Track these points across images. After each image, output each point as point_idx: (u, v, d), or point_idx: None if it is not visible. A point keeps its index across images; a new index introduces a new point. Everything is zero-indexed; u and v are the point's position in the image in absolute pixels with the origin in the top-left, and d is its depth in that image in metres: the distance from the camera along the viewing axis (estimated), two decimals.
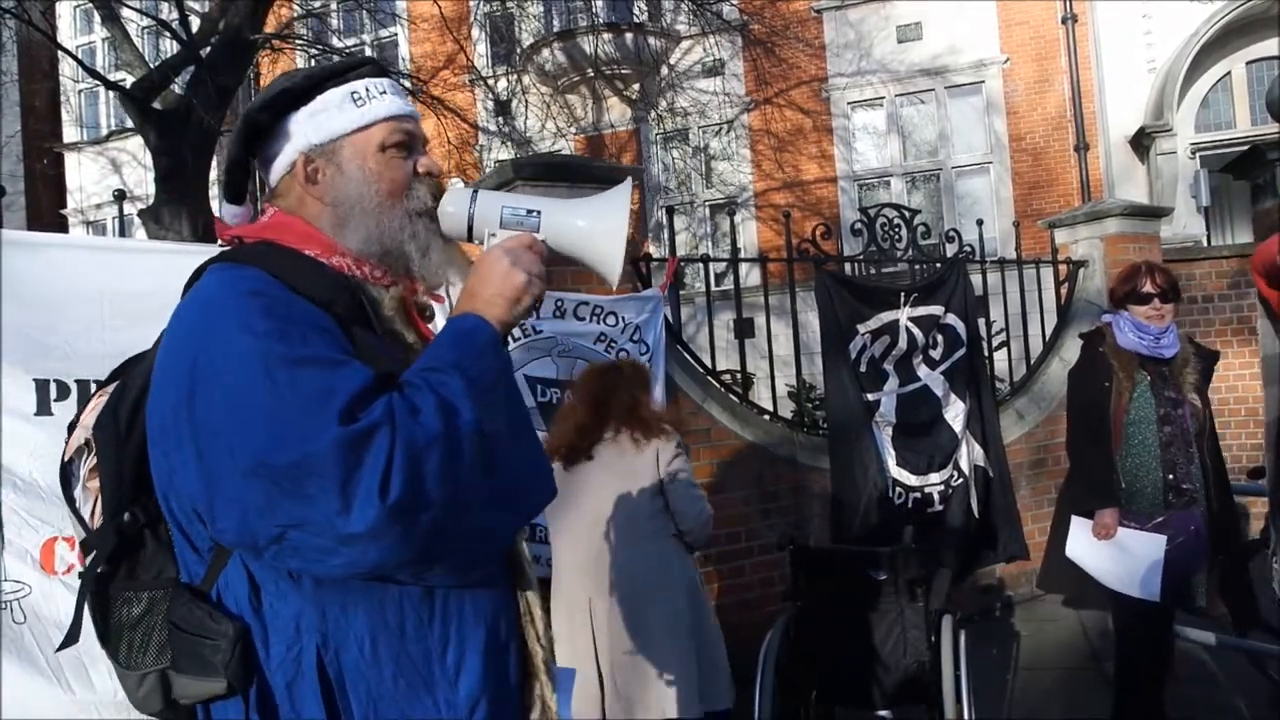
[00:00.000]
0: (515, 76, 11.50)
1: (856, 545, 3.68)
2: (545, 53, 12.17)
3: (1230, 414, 6.40)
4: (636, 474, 2.98)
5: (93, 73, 7.70)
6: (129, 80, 7.28)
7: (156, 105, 6.76)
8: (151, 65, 7.30)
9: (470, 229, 1.23)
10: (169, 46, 8.33)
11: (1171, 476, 3.29)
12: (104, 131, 14.37)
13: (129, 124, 12.60)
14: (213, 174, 7.49)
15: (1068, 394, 3.68)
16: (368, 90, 1.26)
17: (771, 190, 12.58)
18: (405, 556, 1.00)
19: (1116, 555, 3.27)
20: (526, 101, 10.99)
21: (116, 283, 2.62)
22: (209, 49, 6.93)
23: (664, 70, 12.37)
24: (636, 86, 12.65)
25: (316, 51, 9.65)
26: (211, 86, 6.39)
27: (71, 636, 1.26)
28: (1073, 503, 3.51)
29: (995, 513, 4.74)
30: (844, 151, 12.43)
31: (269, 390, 0.98)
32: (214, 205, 7.58)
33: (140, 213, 6.72)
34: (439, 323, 1.24)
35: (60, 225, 14.35)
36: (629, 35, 11.98)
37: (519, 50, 11.95)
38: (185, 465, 1.03)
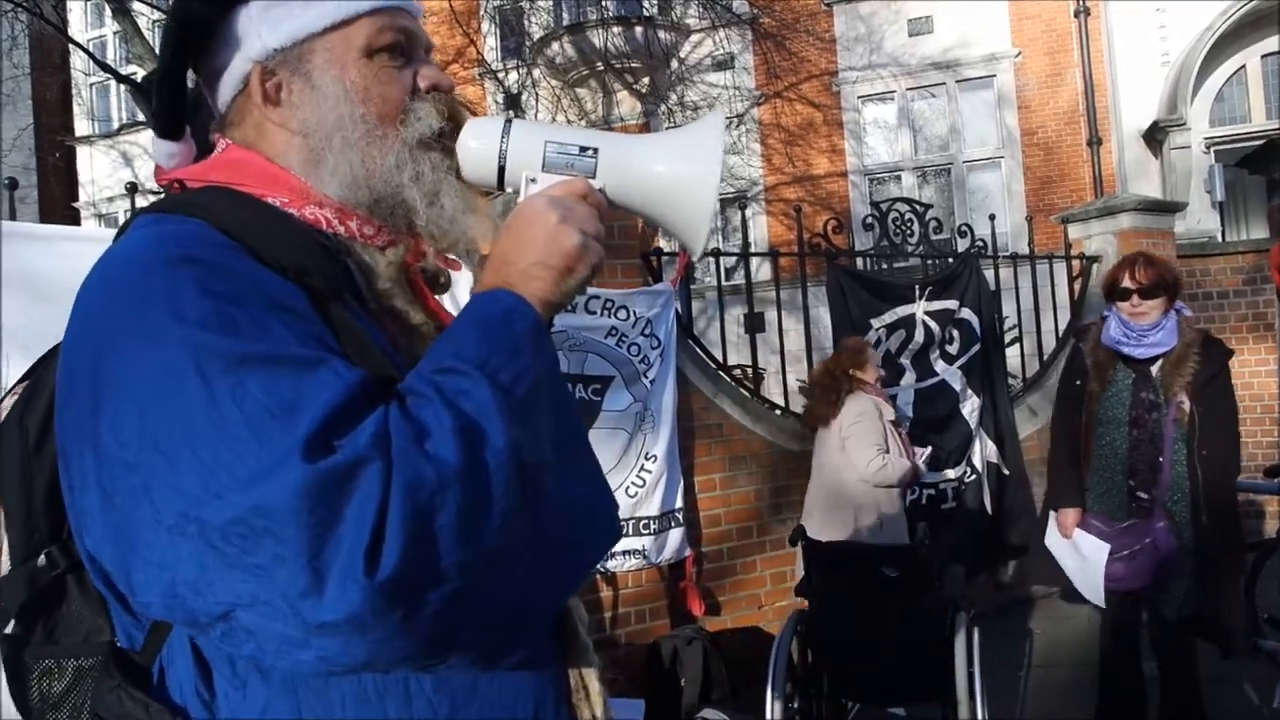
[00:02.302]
0: (525, 70, 11.48)
1: (866, 541, 3.66)
2: (555, 46, 12.15)
3: (1246, 411, 6.33)
4: None
5: (104, 66, 7.73)
6: (140, 74, 7.29)
7: None
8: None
9: (501, 171, 0.89)
10: None
11: (1132, 483, 3.18)
12: (115, 125, 14.42)
13: (140, 117, 12.64)
14: None
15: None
16: None
17: (782, 184, 12.54)
18: (407, 650, 0.70)
19: (1074, 555, 3.26)
20: (537, 95, 10.97)
21: None
22: None
23: (674, 64, 12.33)
24: (646, 80, 12.62)
25: None
26: None
27: None
28: (1047, 500, 3.52)
29: (1010, 508, 4.72)
30: (855, 146, 12.39)
31: (204, 407, 0.67)
32: None
33: None
34: (459, 298, 0.89)
35: (72, 218, 14.42)
36: (639, 29, 11.95)
37: (528, 44, 11.93)
38: (90, 510, 0.72)
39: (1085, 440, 3.28)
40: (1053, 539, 3.37)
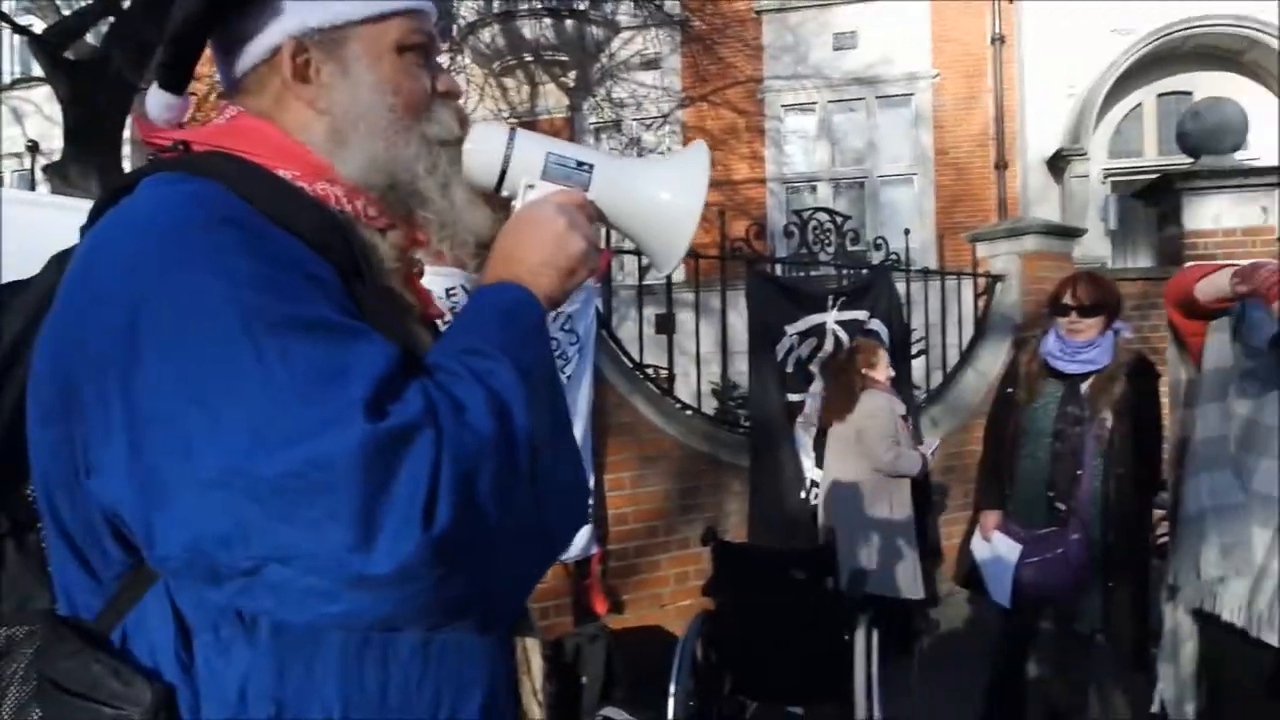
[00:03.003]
0: (452, 55, 11.29)
1: (773, 544, 3.73)
2: (484, 33, 11.99)
3: None
4: None
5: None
6: (37, 25, 6.88)
7: (69, 55, 6.40)
8: (64, 12, 6.92)
9: (502, 175, 0.95)
10: None
11: (1052, 494, 3.25)
12: (5, 79, 13.57)
13: (36, 72, 11.92)
14: (126, 132, 7.14)
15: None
16: None
17: None
18: (434, 605, 0.73)
19: (990, 554, 3.36)
20: (467, 80, 10.80)
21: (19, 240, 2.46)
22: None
23: (602, 60, 12.32)
24: (574, 74, 12.56)
25: None
26: (133, 39, 6.09)
27: None
28: (974, 501, 3.63)
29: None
30: (775, 153, 12.58)
31: (254, 364, 0.68)
32: (126, 164, 7.24)
33: (45, 168, 6.36)
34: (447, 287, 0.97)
35: None
36: (569, 22, 11.89)
37: (457, 28, 11.74)
38: (112, 462, 0.72)
39: (1011, 448, 3.36)
40: (975, 539, 3.47)
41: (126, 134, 7.21)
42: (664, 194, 0.97)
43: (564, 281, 0.90)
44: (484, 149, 0.95)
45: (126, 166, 6.90)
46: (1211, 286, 2.33)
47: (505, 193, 0.96)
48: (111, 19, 6.57)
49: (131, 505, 0.72)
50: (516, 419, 0.76)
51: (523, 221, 0.91)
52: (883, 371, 4.31)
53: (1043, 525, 3.24)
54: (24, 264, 0.96)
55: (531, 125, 12.67)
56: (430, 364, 0.78)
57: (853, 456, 4.18)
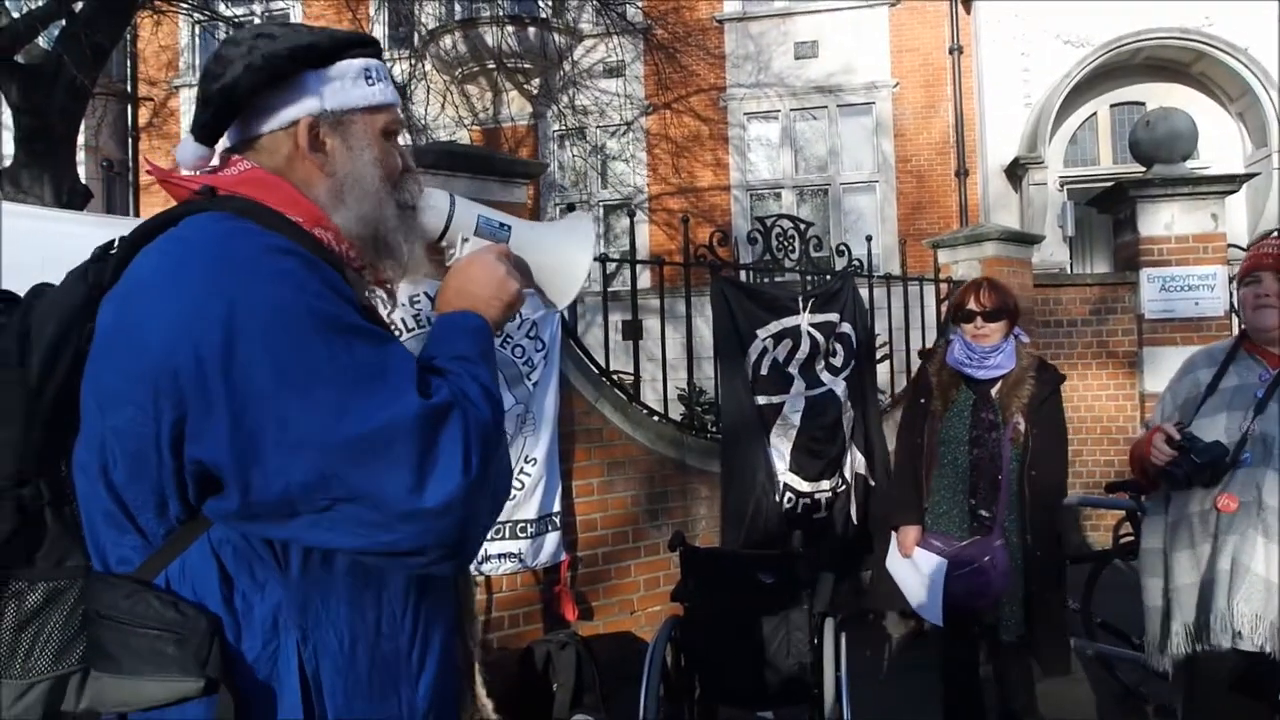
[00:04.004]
0: (414, 61, 11.22)
1: (744, 549, 3.73)
2: (446, 40, 11.92)
3: (1088, 433, 6.83)
4: None
5: None
6: None
7: (19, 59, 6.26)
8: (14, 15, 6.77)
9: (445, 230, 1.25)
10: None
11: (973, 501, 3.23)
12: None
13: None
14: (80, 138, 7.00)
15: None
16: (377, 71, 1.20)
17: (666, 194, 12.69)
18: (456, 539, 0.98)
19: (915, 574, 3.30)
20: (429, 87, 10.73)
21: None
22: (82, 3, 6.48)
23: (566, 67, 12.31)
24: (537, 81, 12.54)
25: (202, 17, 9.16)
26: (86, 43, 5.97)
27: None
28: (886, 518, 3.55)
29: (876, 520, 4.89)
30: (738, 161, 12.67)
31: (325, 355, 0.93)
32: (80, 170, 7.09)
33: None
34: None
35: None
36: (532, 29, 11.87)
37: (419, 34, 11.67)
38: (214, 430, 0.92)
39: (928, 459, 3.33)
40: (893, 560, 3.40)
41: (80, 139, 7.07)
42: (564, 251, 1.30)
43: (505, 313, 1.20)
44: (434, 209, 1.25)
45: (81, 173, 6.76)
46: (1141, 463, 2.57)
47: (445, 244, 1.26)
48: (63, 22, 6.44)
49: (231, 463, 0.93)
50: (501, 407, 1.07)
51: (473, 266, 1.20)
52: None
53: (964, 535, 3.23)
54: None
55: (495, 133, 12.64)
56: (437, 366, 1.06)
57: None
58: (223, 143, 1.18)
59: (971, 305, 3.26)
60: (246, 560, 0.98)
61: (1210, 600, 2.35)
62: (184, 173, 1.16)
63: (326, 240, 1.11)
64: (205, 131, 1.14)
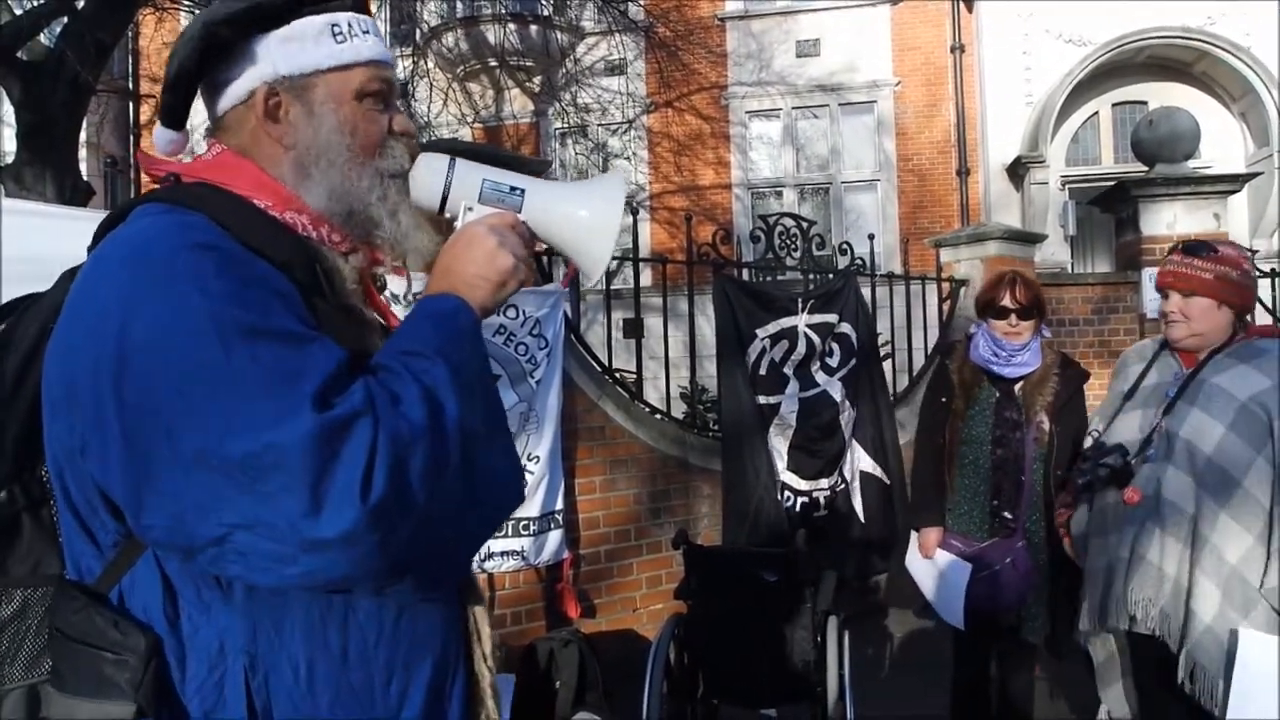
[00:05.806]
0: (416, 59, 11.22)
1: (748, 546, 3.73)
2: (448, 38, 11.92)
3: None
4: None
5: None
6: None
7: (22, 56, 6.26)
8: (16, 11, 6.77)
9: (444, 200, 1.09)
10: None
11: (996, 502, 3.15)
12: None
13: None
14: (82, 135, 7.00)
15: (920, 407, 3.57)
16: (349, 26, 1.07)
17: (668, 193, 12.69)
18: (378, 567, 0.85)
19: (935, 575, 3.24)
20: (431, 85, 10.73)
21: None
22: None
23: (568, 65, 12.31)
24: (539, 79, 12.54)
25: None
26: (88, 40, 5.96)
27: None
28: (908, 518, 3.52)
29: (892, 519, 4.88)
30: (740, 159, 12.67)
31: (224, 364, 0.82)
32: (82, 167, 7.09)
33: None
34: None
35: None
36: (534, 27, 11.87)
37: (421, 32, 11.66)
38: (105, 447, 0.85)
39: (949, 459, 3.24)
40: (913, 559, 3.34)
41: (82, 136, 7.07)
42: (584, 211, 1.11)
43: (495, 292, 1.04)
44: (427, 177, 1.09)
45: (83, 169, 6.76)
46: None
47: (448, 214, 1.10)
48: (65, 19, 6.43)
49: (123, 484, 0.85)
50: (448, 410, 0.90)
51: (459, 240, 1.05)
52: None
53: (986, 536, 3.16)
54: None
55: (497, 130, 12.64)
56: (374, 364, 0.92)
57: None
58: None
59: (1006, 302, 3.12)
60: (191, 579, 0.90)
61: (1111, 585, 2.55)
62: (182, 160, 1.10)
63: (300, 225, 1.02)
64: (171, 115, 1.08)
